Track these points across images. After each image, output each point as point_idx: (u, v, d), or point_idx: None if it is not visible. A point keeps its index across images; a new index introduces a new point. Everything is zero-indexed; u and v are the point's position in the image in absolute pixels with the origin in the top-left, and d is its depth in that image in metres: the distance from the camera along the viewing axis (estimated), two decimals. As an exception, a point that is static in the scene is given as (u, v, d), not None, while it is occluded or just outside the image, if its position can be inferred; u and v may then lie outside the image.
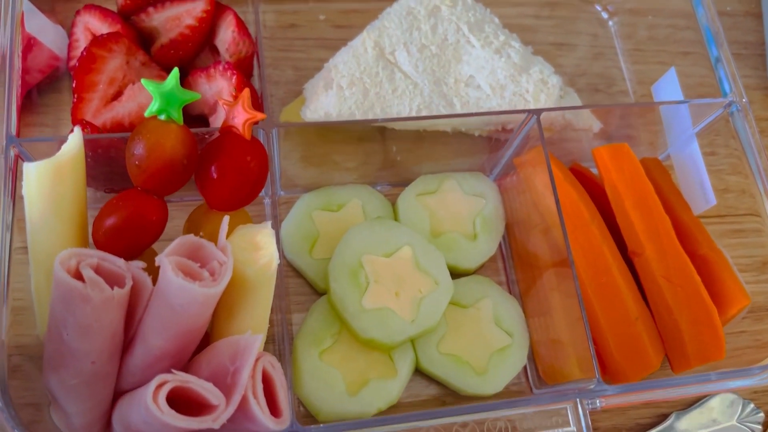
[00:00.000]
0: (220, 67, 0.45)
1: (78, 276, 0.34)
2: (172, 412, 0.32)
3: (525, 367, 0.47)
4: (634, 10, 0.60)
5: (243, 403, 0.34)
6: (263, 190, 0.48)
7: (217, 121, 0.46)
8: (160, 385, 0.33)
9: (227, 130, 0.39)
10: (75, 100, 0.44)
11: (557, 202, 0.43)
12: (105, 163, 0.42)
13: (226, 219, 0.36)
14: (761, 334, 0.49)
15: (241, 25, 0.47)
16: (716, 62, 0.51)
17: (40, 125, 0.49)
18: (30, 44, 0.48)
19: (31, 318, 0.40)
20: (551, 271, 0.46)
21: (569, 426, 0.35)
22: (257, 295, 0.37)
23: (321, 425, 0.36)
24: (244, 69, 0.48)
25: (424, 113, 0.47)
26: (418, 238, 0.45)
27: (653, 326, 0.45)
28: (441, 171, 0.50)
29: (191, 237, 0.35)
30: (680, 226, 0.47)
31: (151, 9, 0.48)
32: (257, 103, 0.46)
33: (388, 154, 0.50)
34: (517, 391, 0.47)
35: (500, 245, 0.50)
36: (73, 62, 0.48)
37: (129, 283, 0.35)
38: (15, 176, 0.40)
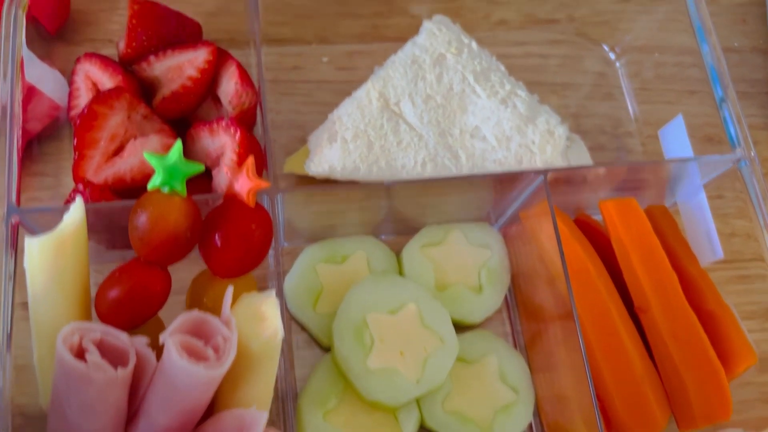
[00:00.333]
0: (223, 123, 0.44)
1: (81, 352, 0.33)
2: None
3: (530, 424, 0.47)
4: (640, 48, 0.59)
5: (248, 483, 0.34)
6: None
7: (219, 174, 0.45)
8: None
9: (231, 197, 0.38)
10: (76, 157, 0.43)
11: (563, 261, 0.43)
12: (107, 224, 0.42)
13: (230, 291, 0.36)
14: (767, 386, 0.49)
15: (244, 76, 0.47)
16: (721, 103, 0.50)
17: (41, 174, 0.49)
18: (30, 94, 0.47)
19: (34, 377, 0.39)
20: (556, 325, 0.46)
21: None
22: (262, 368, 0.37)
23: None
24: (247, 120, 0.47)
25: (429, 166, 0.47)
26: (423, 293, 0.45)
27: (659, 384, 0.45)
28: (446, 220, 0.49)
29: (195, 313, 0.35)
30: (687, 279, 0.47)
31: (152, 57, 0.47)
32: (261, 158, 0.45)
33: (393, 204, 0.50)
34: (522, 449, 0.46)
35: (506, 297, 0.50)
36: (74, 111, 0.47)
37: (133, 361, 0.34)
38: (16, 241, 0.39)
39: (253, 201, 0.38)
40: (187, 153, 0.47)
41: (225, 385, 0.38)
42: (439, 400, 0.44)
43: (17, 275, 0.39)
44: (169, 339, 0.33)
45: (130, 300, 0.36)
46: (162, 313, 0.39)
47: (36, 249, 0.35)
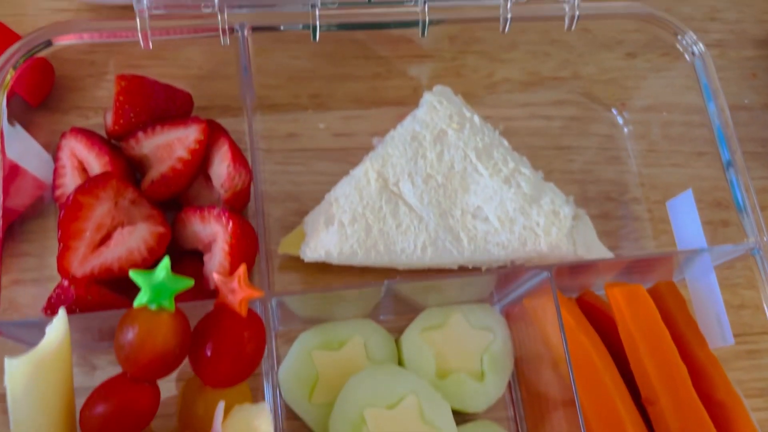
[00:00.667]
0: (215, 212, 0.42)
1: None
2: None
3: None
4: (648, 107, 0.57)
5: None
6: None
7: (211, 261, 0.43)
8: None
9: (222, 305, 0.36)
10: (60, 248, 0.41)
11: (568, 356, 0.41)
12: (94, 327, 0.40)
13: (221, 408, 0.34)
14: (776, 471, 0.48)
15: (236, 156, 0.45)
16: (728, 167, 0.48)
17: (25, 255, 0.47)
18: (13, 172, 0.45)
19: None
20: (560, 413, 0.44)
21: None
22: (255, 489, 0.35)
23: None
24: (240, 199, 0.45)
25: (429, 250, 0.45)
26: (423, 385, 0.43)
27: (667, 481, 0.43)
28: (446, 301, 0.48)
29: (185, 437, 0.33)
30: (696, 366, 0.45)
31: (140, 134, 0.45)
32: (254, 242, 0.43)
33: (392, 286, 0.48)
34: None
35: (509, 381, 0.48)
36: (59, 191, 0.45)
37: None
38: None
39: (246, 311, 0.36)
40: (178, 236, 0.45)
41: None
42: (439, 496, 0.43)
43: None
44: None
45: (116, 419, 0.35)
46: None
47: (17, 368, 0.33)
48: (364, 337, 0.46)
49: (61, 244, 0.41)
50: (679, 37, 0.50)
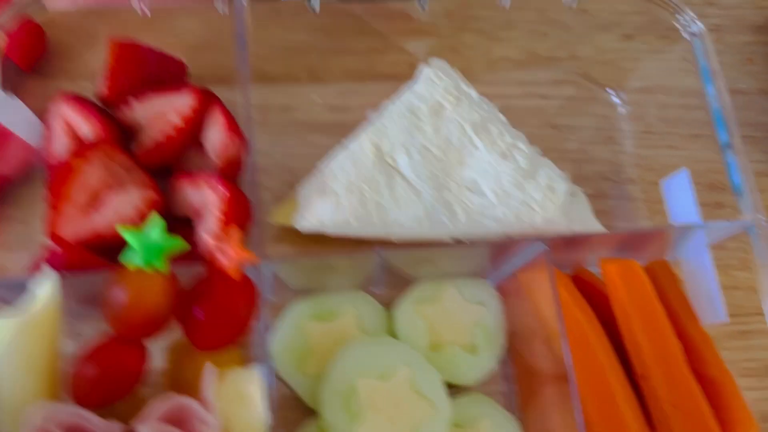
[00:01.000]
0: (208, 178, 0.42)
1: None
2: None
3: (524, 493, 0.45)
4: (645, 89, 0.57)
5: None
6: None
7: (203, 228, 0.43)
8: None
9: (214, 268, 0.36)
10: (50, 212, 0.41)
11: (563, 330, 0.41)
12: (83, 292, 0.39)
13: (211, 372, 0.34)
14: (767, 447, 0.48)
15: (231, 124, 0.44)
16: (726, 149, 0.48)
17: (12, 220, 0.46)
18: (2, 137, 0.44)
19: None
20: (553, 388, 0.44)
21: None
22: (245, 453, 0.35)
23: None
24: (233, 168, 0.45)
25: (424, 223, 0.44)
26: (416, 357, 0.43)
27: (657, 455, 0.43)
28: (440, 274, 0.47)
29: (174, 399, 0.33)
30: (688, 342, 0.45)
31: (133, 100, 0.44)
32: (247, 211, 0.43)
33: (385, 258, 0.48)
34: None
35: (502, 356, 0.48)
36: (50, 157, 0.45)
37: (105, 452, 0.32)
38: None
39: (239, 274, 0.36)
40: (170, 203, 0.44)
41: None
42: (429, 468, 0.43)
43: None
44: (143, 429, 0.31)
45: (105, 380, 0.34)
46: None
47: (4, 329, 0.33)
48: (356, 308, 0.46)
49: (51, 207, 0.41)
50: (678, 16, 0.50)
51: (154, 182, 0.43)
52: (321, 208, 0.44)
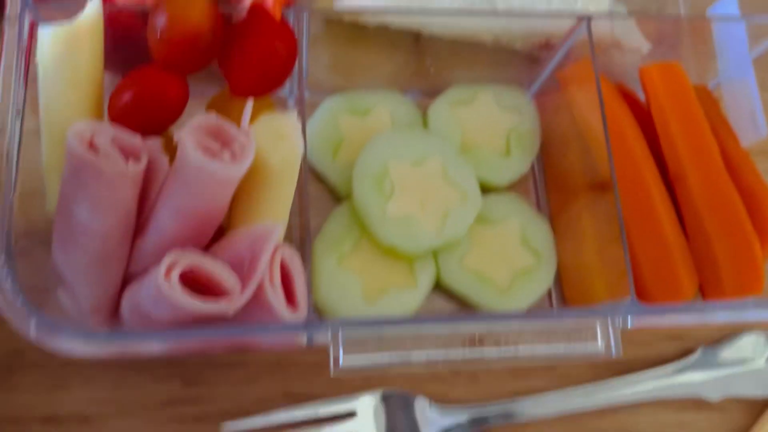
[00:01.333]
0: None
1: (92, 148, 0.32)
2: (184, 292, 0.31)
3: (550, 291, 0.45)
4: None
5: (259, 292, 0.32)
6: (287, 89, 0.46)
7: None
8: (172, 264, 0.31)
9: (255, 9, 0.36)
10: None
11: (604, 119, 0.40)
12: (124, 43, 0.39)
13: (250, 102, 0.34)
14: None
15: None
16: None
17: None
18: None
19: (40, 203, 0.38)
20: (587, 194, 0.44)
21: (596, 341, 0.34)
22: (279, 186, 0.35)
23: (339, 318, 0.34)
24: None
25: (464, 12, 0.44)
26: (448, 148, 0.43)
27: (689, 255, 0.43)
28: (475, 80, 0.47)
29: (213, 116, 0.33)
30: (726, 157, 0.44)
31: None
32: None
33: (422, 62, 0.48)
34: (540, 314, 0.45)
35: (533, 165, 0.48)
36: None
37: (144, 159, 0.33)
38: (30, 49, 0.37)
39: (279, 13, 0.36)
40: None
41: (240, 206, 0.36)
42: (457, 257, 0.43)
43: (28, 98, 0.37)
44: (185, 135, 0.32)
45: (144, 104, 0.35)
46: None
47: (49, 39, 0.33)
48: (390, 106, 0.46)
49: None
50: None
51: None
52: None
